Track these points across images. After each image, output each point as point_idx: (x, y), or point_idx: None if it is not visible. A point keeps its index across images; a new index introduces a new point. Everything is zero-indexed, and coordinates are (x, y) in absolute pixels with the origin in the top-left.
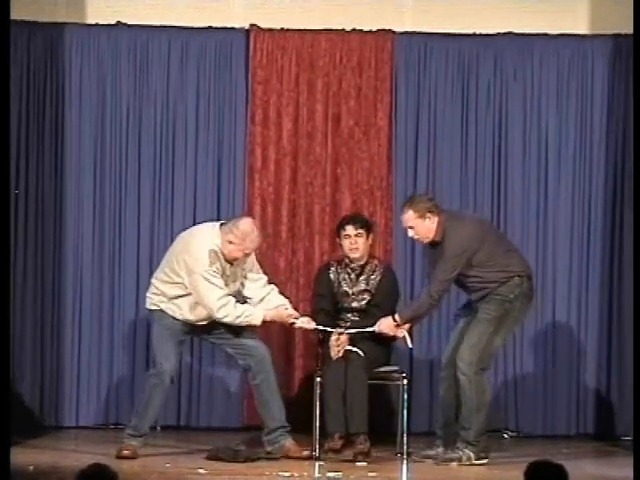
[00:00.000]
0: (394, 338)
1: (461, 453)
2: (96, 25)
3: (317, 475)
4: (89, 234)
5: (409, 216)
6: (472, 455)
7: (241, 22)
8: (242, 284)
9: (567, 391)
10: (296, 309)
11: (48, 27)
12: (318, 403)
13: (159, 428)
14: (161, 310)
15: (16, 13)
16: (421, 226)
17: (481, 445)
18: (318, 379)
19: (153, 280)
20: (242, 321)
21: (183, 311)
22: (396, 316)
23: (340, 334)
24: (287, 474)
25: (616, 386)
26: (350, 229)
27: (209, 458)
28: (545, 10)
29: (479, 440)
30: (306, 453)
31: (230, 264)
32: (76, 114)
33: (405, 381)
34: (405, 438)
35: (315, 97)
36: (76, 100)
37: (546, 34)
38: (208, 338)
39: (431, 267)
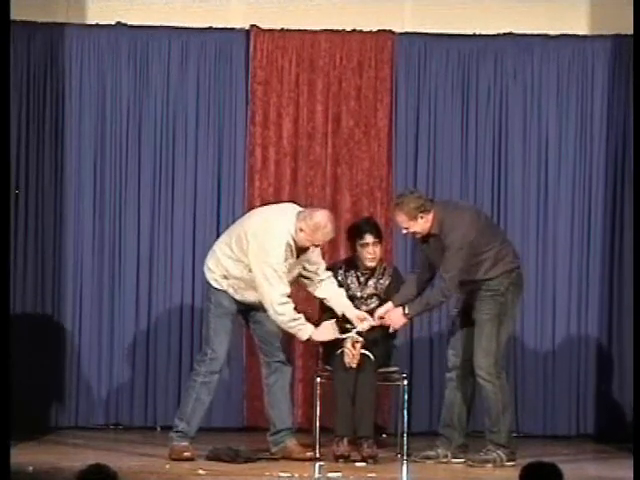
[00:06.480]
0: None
1: (495, 455)
2: (96, 25)
3: (317, 475)
4: (89, 234)
5: (401, 219)
6: (504, 457)
7: (241, 22)
8: (300, 271)
9: (567, 391)
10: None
11: (48, 27)
12: (319, 403)
13: (159, 428)
14: (224, 291)
15: (16, 13)
16: (415, 226)
17: (512, 447)
18: (318, 379)
19: (216, 252)
20: (293, 326)
21: (241, 291)
22: (407, 309)
23: (356, 342)
24: (287, 474)
25: (616, 386)
26: (369, 238)
27: (209, 458)
28: (545, 10)
29: (510, 442)
30: (310, 454)
31: (297, 256)
32: (76, 114)
33: (405, 381)
34: (405, 438)
35: (315, 97)
36: (76, 100)
37: (546, 34)
38: (249, 319)
39: (427, 259)
